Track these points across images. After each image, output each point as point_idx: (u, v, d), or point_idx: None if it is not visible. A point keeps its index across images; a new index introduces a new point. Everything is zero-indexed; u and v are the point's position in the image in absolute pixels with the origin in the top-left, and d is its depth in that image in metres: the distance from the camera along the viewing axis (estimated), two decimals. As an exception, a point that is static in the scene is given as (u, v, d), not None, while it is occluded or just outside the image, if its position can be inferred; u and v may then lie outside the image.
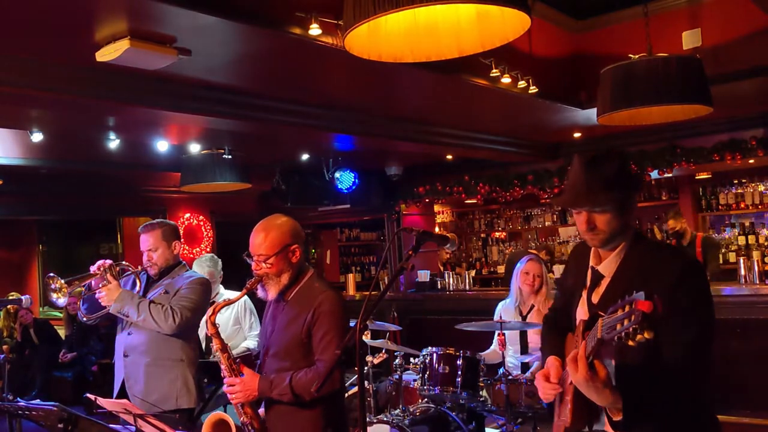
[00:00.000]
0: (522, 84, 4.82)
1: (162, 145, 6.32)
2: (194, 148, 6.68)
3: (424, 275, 9.25)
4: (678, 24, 5.42)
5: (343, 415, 2.98)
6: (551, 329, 2.58)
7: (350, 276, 10.36)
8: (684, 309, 2.06)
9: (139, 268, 3.85)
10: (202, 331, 5.35)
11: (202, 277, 3.90)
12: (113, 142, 6.01)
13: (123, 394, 3.70)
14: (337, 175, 7.51)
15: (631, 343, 1.76)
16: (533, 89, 4.97)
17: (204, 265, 5.53)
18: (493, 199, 10.91)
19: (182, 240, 3.95)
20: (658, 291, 1.80)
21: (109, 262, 3.73)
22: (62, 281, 3.63)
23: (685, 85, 4.24)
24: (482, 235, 12.28)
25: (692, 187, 9.56)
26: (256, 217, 3.10)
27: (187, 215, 9.99)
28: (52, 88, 3.73)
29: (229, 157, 6.83)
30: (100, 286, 3.63)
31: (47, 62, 3.60)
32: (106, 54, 3.17)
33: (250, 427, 2.92)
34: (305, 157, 7.66)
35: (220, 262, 5.70)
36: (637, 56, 4.37)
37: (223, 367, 2.95)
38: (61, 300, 3.63)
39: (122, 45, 3.08)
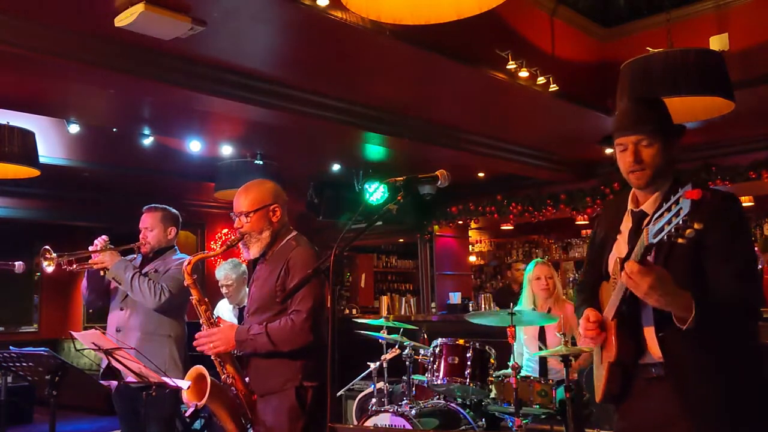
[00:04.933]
0: (541, 80, 4.84)
1: (195, 146, 6.50)
2: (226, 150, 6.85)
3: (455, 298, 9.17)
4: (705, 30, 5.38)
5: (324, 371, 2.93)
6: (583, 289, 2.59)
7: (383, 298, 10.36)
8: (726, 239, 2.11)
9: (135, 245, 4.02)
10: (220, 313, 5.45)
11: (190, 259, 4.03)
12: (147, 139, 6.21)
13: (111, 369, 3.80)
14: (366, 186, 7.56)
15: (681, 240, 1.78)
16: (554, 87, 4.98)
17: (223, 268, 5.60)
18: (530, 227, 10.82)
19: (179, 228, 4.14)
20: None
21: (106, 237, 3.91)
22: (54, 254, 3.85)
23: (703, 76, 4.18)
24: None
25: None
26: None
27: (225, 230, 10.20)
28: (80, 58, 3.95)
29: (261, 162, 6.97)
30: (99, 253, 3.81)
31: (72, 30, 3.82)
32: (123, 19, 3.34)
33: (232, 386, 2.93)
34: (336, 167, 7.77)
35: (243, 267, 5.78)
36: (655, 50, 4.34)
37: (201, 320, 3.02)
38: (50, 267, 3.84)
39: (137, 9, 3.24)
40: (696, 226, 1.73)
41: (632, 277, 2.00)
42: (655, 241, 1.88)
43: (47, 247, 3.85)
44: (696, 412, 2.09)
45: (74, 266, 3.87)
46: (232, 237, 3.04)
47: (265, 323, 2.84)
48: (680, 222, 1.75)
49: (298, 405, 2.79)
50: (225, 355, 2.94)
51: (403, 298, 10.44)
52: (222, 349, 2.89)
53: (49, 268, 3.82)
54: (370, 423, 4.52)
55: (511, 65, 4.68)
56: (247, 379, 2.98)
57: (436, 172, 2.53)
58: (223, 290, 5.30)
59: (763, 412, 2.13)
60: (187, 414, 2.85)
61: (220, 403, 2.86)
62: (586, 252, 2.75)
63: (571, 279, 10.89)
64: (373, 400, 5.13)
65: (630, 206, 2.38)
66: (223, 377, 2.96)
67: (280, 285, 2.87)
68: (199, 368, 2.90)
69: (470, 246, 11.75)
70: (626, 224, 2.38)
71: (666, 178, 2.30)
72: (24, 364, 3.24)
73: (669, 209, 1.82)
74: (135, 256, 4.07)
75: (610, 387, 2.30)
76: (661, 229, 1.83)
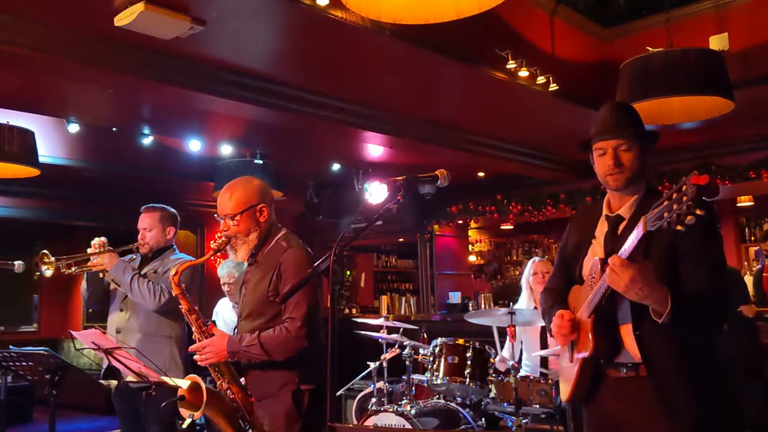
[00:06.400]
0: (541, 80, 4.85)
1: (194, 145, 6.51)
2: (226, 150, 6.86)
3: (455, 297, 9.17)
4: (705, 30, 5.37)
5: (320, 374, 2.82)
6: (552, 294, 2.62)
7: (383, 298, 10.37)
8: (699, 242, 2.16)
9: (134, 245, 4.00)
10: (218, 318, 5.44)
11: (190, 259, 4.02)
12: (147, 139, 6.21)
13: (112, 370, 3.80)
14: (366, 186, 7.56)
15: (680, 227, 1.81)
16: (554, 87, 4.98)
17: (226, 266, 5.60)
18: (530, 226, 10.83)
19: (178, 228, 4.11)
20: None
21: (104, 239, 3.90)
22: (52, 258, 3.83)
23: (702, 76, 4.18)
24: (520, 267, 12.15)
25: (735, 217, 9.31)
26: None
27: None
28: (80, 58, 3.94)
29: (261, 162, 6.97)
30: (97, 255, 3.80)
31: (72, 30, 3.83)
32: (122, 18, 3.34)
33: (229, 392, 2.89)
34: (336, 167, 7.77)
35: (244, 266, 5.76)
36: (655, 50, 4.34)
37: (193, 329, 2.95)
38: (48, 271, 3.82)
39: (137, 8, 3.24)
40: (698, 212, 1.76)
41: (615, 270, 2.05)
42: (653, 229, 1.92)
43: (45, 251, 3.84)
44: (674, 411, 2.12)
45: (73, 269, 3.86)
46: (218, 241, 2.92)
47: (258, 332, 2.78)
48: (684, 207, 1.78)
49: (294, 409, 2.76)
50: (219, 362, 2.89)
51: (403, 298, 10.46)
52: (214, 361, 2.84)
53: (47, 272, 3.81)
54: (369, 422, 4.53)
55: (511, 65, 4.69)
56: (243, 380, 2.97)
57: (436, 172, 2.53)
58: (225, 288, 5.30)
59: (728, 410, 2.22)
60: (183, 426, 2.82)
61: (216, 410, 2.83)
62: (556, 259, 2.78)
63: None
64: (373, 399, 5.14)
65: (605, 211, 2.44)
66: (218, 383, 2.92)
67: (272, 290, 2.81)
68: (194, 377, 2.87)
69: (470, 246, 11.77)
70: (601, 229, 2.43)
71: (641, 184, 2.37)
72: (24, 363, 3.24)
73: (669, 198, 1.85)
74: (134, 256, 4.07)
75: (579, 385, 2.33)
76: (660, 217, 1.87)
